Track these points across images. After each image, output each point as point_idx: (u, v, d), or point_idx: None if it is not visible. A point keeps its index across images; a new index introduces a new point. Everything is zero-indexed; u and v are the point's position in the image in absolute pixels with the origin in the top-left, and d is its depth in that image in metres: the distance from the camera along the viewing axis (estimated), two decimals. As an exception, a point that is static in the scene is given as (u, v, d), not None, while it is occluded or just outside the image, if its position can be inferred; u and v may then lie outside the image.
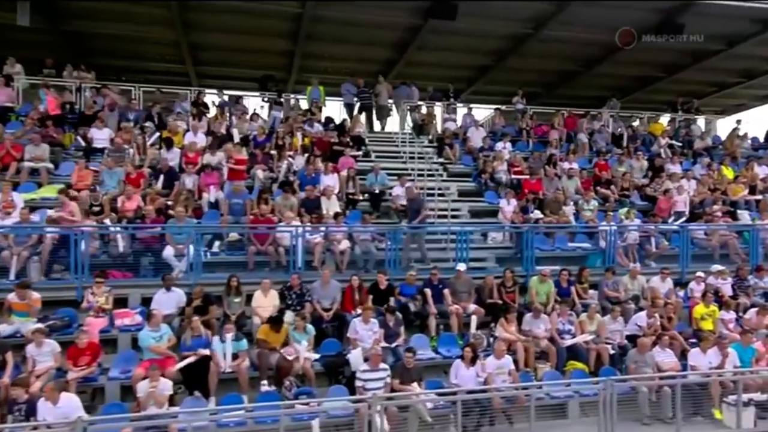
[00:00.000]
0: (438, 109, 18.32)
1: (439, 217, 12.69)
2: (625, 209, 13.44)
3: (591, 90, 21.59)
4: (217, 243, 10.76)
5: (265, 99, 16.96)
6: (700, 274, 11.51)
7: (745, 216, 14.42)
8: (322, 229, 10.92)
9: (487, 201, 13.73)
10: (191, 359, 8.01)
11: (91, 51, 17.85)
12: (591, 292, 11.03)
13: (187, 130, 13.86)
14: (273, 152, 13.47)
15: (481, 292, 10.41)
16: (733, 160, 17.04)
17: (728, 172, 16.27)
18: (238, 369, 8.09)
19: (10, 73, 14.80)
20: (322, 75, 18.54)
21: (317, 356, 8.65)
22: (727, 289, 11.50)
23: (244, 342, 8.35)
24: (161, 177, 11.75)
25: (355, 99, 17.29)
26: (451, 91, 18.35)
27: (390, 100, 17.61)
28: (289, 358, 8.29)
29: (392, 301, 9.79)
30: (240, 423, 7.32)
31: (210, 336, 8.33)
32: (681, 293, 11.39)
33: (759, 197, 15.03)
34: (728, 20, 15.93)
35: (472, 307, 10.05)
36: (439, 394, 8.11)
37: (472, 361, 8.46)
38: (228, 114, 15.56)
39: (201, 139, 13.36)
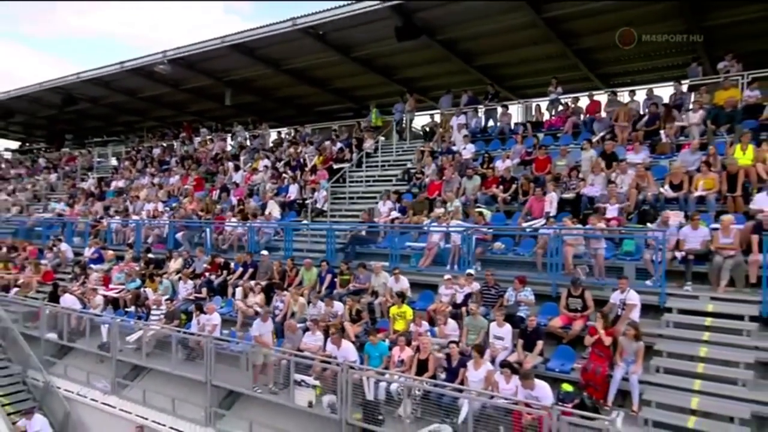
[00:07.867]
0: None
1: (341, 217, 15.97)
2: (482, 210, 12.94)
3: None
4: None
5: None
6: (448, 276, 11.16)
7: (678, 216, 10.90)
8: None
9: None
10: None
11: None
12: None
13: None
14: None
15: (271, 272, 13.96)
16: None
17: (743, 157, 11.54)
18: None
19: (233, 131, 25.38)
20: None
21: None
22: (458, 297, 10.72)
23: (133, 284, 15.48)
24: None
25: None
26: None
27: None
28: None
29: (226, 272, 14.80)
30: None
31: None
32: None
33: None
34: None
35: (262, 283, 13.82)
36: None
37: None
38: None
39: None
